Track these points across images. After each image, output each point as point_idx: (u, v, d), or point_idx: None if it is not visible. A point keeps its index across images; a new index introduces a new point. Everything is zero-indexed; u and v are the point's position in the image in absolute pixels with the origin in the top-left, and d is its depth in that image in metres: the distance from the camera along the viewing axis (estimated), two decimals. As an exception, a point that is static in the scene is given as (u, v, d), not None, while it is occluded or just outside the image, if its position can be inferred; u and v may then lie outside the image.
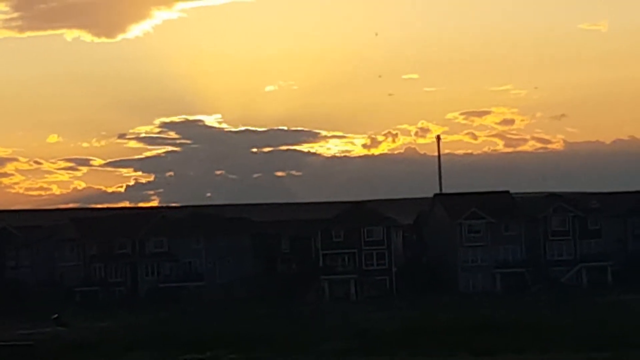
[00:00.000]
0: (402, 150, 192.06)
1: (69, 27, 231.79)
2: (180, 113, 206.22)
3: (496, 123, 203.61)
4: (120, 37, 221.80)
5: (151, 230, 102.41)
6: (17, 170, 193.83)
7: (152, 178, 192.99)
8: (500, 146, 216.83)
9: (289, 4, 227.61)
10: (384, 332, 50.95)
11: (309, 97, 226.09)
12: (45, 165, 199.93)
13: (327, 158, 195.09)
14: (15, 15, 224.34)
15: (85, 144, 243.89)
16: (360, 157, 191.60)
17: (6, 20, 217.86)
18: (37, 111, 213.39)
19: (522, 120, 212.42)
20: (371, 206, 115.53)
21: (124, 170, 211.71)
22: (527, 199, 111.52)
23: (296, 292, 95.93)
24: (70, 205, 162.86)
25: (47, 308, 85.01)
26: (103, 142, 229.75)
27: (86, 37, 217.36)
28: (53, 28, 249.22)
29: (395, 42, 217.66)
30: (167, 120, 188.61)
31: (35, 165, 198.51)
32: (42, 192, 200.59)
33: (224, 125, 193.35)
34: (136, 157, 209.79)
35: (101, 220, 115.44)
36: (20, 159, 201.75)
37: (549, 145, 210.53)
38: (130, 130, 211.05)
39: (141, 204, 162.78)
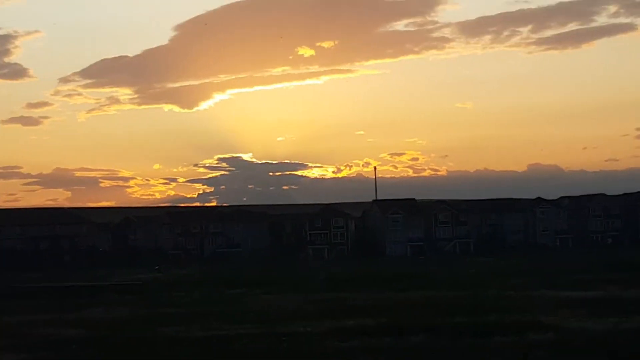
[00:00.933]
0: (354, 175, 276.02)
1: (166, 103, 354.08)
2: (230, 152, 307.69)
3: (408, 159, 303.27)
4: (195, 109, 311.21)
5: (212, 219, 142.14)
6: (135, 184, 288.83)
7: (212, 189, 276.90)
8: (410, 173, 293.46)
9: (290, 92, 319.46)
10: (343, 278, 66.57)
11: (302, 144, 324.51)
12: (152, 181, 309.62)
13: (312, 179, 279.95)
14: (136, 95, 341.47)
15: (174, 169, 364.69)
16: (331, 178, 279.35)
17: (130, 98, 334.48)
18: (148, 151, 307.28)
19: (423, 158, 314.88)
20: (337, 206, 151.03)
21: (197, 185, 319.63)
22: (425, 203, 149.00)
23: (294, 255, 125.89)
24: (166, 205, 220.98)
25: (151, 263, 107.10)
26: (185, 169, 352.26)
27: (176, 109, 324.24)
28: (157, 103, 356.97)
29: (351, 113, 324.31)
30: (222, 156, 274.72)
31: (146, 182, 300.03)
32: (150, 197, 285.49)
33: (254, 159, 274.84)
34: (203, 177, 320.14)
35: (183, 213, 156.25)
36: (138, 178, 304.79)
37: (438, 173, 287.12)
38: (200, 162, 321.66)
39: (206, 204, 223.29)
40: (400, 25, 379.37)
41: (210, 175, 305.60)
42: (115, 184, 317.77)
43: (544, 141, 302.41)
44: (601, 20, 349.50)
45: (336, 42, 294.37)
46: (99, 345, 28.25)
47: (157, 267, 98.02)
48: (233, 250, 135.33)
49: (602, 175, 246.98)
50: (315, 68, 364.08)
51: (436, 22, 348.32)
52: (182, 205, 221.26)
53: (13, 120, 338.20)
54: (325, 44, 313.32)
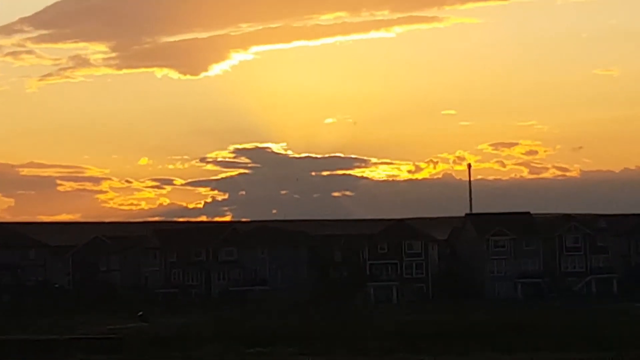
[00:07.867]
0: (440, 176, 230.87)
1: (159, 65, 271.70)
2: (252, 141, 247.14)
3: (522, 153, 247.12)
4: (202, 74, 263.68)
5: (223, 241, 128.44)
6: (110, 187, 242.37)
7: (226, 196, 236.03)
8: (525, 173, 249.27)
9: (346, 49, 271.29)
10: (422, 333, 59.58)
11: (362, 128, 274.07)
12: (135, 184, 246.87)
13: (376, 181, 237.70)
14: (113, 54, 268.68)
15: (170, 166, 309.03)
16: (404, 180, 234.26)
17: (105, 59, 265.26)
18: (129, 138, 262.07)
19: (544, 151, 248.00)
20: (412, 223, 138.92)
21: (202, 190, 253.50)
22: (545, 219, 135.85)
23: (346, 296, 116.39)
24: (156, 219, 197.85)
25: (133, 307, 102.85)
26: (185, 165, 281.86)
27: (173, 74, 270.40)
28: (145, 66, 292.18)
29: (436, 83, 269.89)
30: (240, 146, 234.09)
31: (127, 184, 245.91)
32: (132, 207, 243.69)
33: (288, 152, 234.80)
34: (213, 178, 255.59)
35: (181, 232, 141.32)
36: (114, 178, 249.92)
37: (567, 173, 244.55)
38: (208, 155, 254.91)
39: (217, 219, 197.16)
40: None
41: (223, 175, 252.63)
42: (80, 187, 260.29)
43: None
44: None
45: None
46: None
47: (140, 313, 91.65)
48: (255, 288, 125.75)
49: None
50: (384, 14, 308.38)
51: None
52: (180, 220, 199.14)
53: None
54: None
